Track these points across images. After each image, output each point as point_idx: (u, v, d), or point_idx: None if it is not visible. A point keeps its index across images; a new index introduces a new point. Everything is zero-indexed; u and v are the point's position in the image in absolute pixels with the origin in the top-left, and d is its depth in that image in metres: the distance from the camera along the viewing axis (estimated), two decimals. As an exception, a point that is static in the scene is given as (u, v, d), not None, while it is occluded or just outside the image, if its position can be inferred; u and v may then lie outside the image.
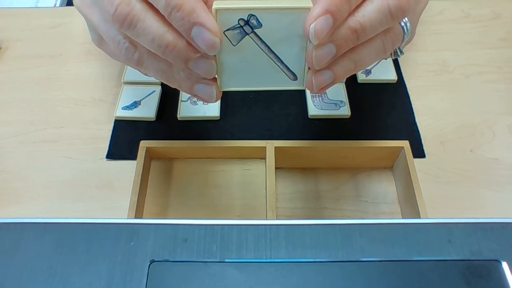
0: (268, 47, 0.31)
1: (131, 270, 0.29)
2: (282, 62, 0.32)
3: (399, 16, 0.30)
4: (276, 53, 0.31)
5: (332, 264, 0.29)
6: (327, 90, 0.47)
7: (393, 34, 0.33)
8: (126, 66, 0.55)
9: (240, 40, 0.31)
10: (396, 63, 0.57)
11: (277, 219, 0.42)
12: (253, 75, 0.33)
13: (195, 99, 0.52)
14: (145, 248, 0.30)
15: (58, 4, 0.68)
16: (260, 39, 0.30)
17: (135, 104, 0.52)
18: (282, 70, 0.32)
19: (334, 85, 0.48)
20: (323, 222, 0.31)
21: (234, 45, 0.31)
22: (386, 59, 0.57)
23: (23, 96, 0.55)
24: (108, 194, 0.47)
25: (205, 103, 0.51)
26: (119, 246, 0.30)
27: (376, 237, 0.30)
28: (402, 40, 0.35)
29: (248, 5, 0.29)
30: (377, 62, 0.57)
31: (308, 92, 0.53)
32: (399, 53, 0.38)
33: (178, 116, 0.51)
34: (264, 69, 0.32)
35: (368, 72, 0.56)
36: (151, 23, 0.30)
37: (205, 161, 0.48)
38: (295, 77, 0.33)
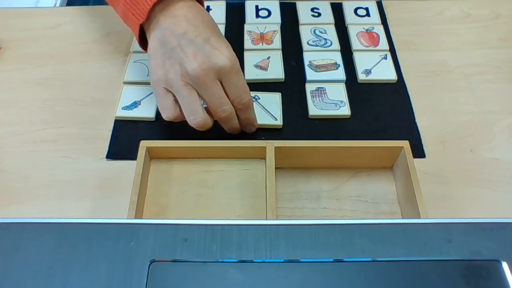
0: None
1: (131, 270, 0.29)
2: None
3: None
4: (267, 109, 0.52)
5: (332, 264, 0.29)
6: (327, 90, 0.54)
7: None
8: (126, 66, 0.56)
9: None
10: (396, 63, 0.57)
11: (277, 219, 0.42)
12: None
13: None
14: (145, 248, 0.30)
15: (58, 4, 0.68)
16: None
17: (135, 104, 0.52)
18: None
19: (334, 85, 0.55)
20: (323, 222, 0.31)
21: None
22: (386, 59, 0.57)
23: (23, 96, 0.55)
24: (108, 194, 0.47)
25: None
26: (119, 246, 0.30)
27: (376, 237, 0.30)
28: None
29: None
30: (377, 62, 0.57)
31: (308, 92, 0.53)
32: None
33: (178, 116, 0.51)
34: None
35: (368, 72, 0.56)
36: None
37: (205, 161, 0.48)
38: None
